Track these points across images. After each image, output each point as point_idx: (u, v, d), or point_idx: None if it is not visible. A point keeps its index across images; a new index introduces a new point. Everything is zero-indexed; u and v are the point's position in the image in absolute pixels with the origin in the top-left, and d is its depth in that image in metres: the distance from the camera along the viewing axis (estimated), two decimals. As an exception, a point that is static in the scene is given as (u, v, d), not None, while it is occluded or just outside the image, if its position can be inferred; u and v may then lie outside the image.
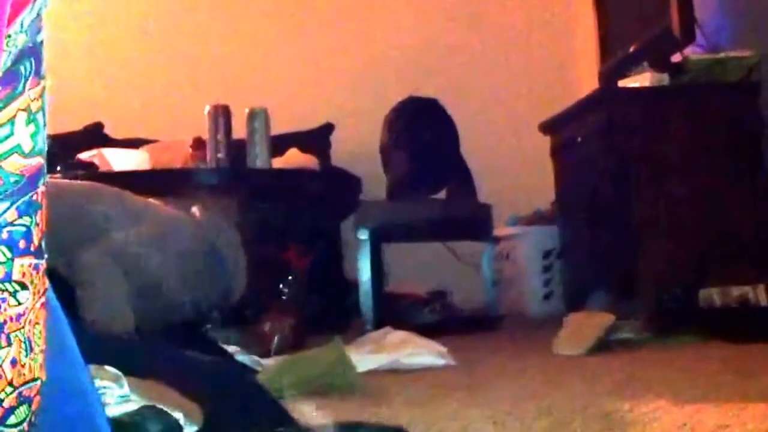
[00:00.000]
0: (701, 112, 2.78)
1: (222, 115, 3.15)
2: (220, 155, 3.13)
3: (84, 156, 3.30)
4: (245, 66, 4.29)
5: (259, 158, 3.15)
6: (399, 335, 2.30)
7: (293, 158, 3.41)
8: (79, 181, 2.50)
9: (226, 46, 4.33)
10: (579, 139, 3.08)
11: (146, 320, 2.14)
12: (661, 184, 2.74)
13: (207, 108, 3.17)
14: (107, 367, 1.19)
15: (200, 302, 2.29)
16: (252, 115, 3.17)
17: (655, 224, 2.73)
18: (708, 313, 2.45)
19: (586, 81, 3.69)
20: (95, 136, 3.90)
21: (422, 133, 3.18)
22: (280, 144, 3.37)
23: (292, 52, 4.31)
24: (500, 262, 3.62)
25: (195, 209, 2.40)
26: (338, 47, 4.30)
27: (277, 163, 3.31)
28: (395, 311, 3.26)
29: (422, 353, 2.18)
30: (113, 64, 4.30)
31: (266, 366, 1.98)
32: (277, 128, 3.31)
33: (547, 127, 3.47)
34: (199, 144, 3.23)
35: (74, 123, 3.75)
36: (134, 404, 1.14)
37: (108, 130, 4.05)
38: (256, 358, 2.13)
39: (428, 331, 2.44)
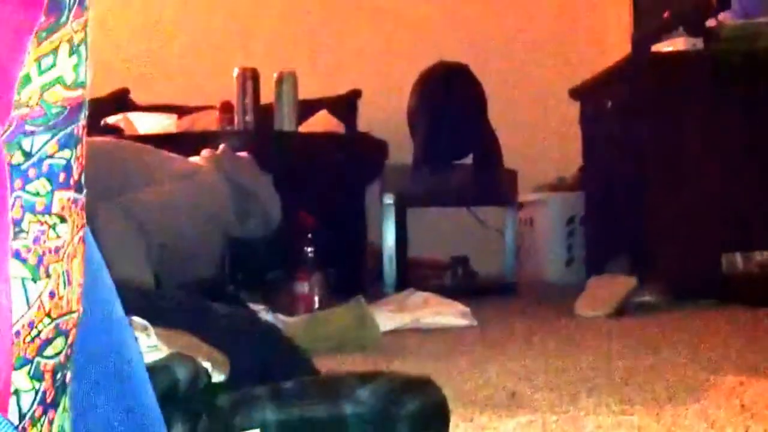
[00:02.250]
0: (734, 78, 2.75)
1: (250, 78, 3.15)
2: (247, 118, 3.13)
3: (110, 120, 3.32)
4: (273, 31, 4.29)
5: (286, 122, 3.15)
6: (421, 296, 2.32)
7: (322, 121, 3.41)
8: (100, 138, 2.51)
9: (254, 11, 4.32)
10: (609, 105, 3.06)
11: (172, 275, 2.16)
12: (689, 149, 2.72)
13: (236, 71, 3.17)
14: (135, 318, 1.21)
15: (239, 241, 2.31)
16: (281, 79, 3.17)
17: (680, 189, 2.71)
18: (728, 279, 2.45)
19: (618, 46, 3.65)
20: (121, 102, 3.91)
21: (450, 98, 3.17)
22: (306, 109, 3.37)
23: (321, 16, 4.30)
24: (523, 228, 3.62)
25: (206, 152, 2.41)
26: (367, 12, 4.28)
27: (306, 126, 3.32)
28: (416, 276, 3.28)
29: (444, 313, 2.20)
30: (139, 29, 4.31)
31: (289, 323, 2.01)
32: (304, 94, 3.32)
33: (577, 93, 3.45)
34: (226, 108, 3.24)
35: (100, 89, 3.77)
36: (162, 354, 1.16)
37: (134, 97, 4.06)
38: (279, 315, 2.16)
39: (448, 295, 2.45)
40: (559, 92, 3.61)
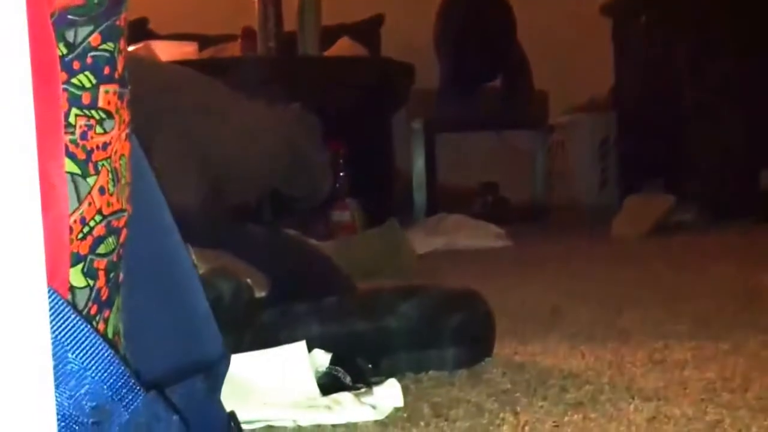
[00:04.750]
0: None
1: (272, 1, 3.09)
2: (270, 44, 3.08)
3: (130, 49, 3.28)
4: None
5: (309, 47, 3.10)
6: (455, 219, 2.31)
7: (344, 49, 3.35)
8: (170, 63, 2.46)
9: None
10: (643, 20, 2.97)
11: (212, 199, 2.16)
12: (726, 63, 2.65)
13: (257, -6, 3.11)
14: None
15: (284, 197, 2.31)
16: (303, 3, 3.11)
17: (715, 105, 2.65)
18: (766, 197, 2.41)
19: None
20: (139, 31, 3.86)
21: (477, 18, 3.09)
22: (327, 36, 3.31)
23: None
24: (555, 151, 3.56)
25: (278, 106, 2.39)
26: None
27: (328, 54, 3.26)
28: (445, 204, 3.25)
29: (478, 235, 2.18)
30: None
31: (324, 248, 2.00)
32: (325, 20, 3.25)
33: (609, 9, 3.35)
34: (249, 34, 3.19)
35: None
36: (202, 270, 1.16)
37: (153, 27, 4.01)
38: (312, 240, 2.15)
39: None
40: (590, 8, 3.51)
